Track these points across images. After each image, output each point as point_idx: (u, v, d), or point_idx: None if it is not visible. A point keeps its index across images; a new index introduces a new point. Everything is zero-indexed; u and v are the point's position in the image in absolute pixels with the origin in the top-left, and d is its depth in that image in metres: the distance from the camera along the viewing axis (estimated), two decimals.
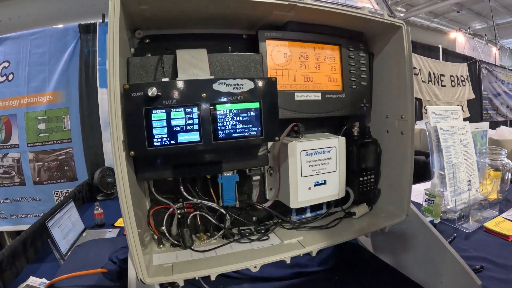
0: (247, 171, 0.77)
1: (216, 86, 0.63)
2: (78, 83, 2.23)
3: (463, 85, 4.68)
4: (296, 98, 0.78)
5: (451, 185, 1.25)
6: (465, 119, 1.45)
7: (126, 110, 0.59)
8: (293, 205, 0.77)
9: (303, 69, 0.81)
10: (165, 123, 0.61)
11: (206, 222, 0.79)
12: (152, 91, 0.58)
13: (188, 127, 0.62)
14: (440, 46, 4.66)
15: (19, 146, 2.11)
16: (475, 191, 1.33)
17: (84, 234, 1.40)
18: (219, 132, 0.64)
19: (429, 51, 4.45)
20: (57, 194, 2.28)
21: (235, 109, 0.65)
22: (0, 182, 2.09)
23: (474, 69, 4.81)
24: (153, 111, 0.60)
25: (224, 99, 0.64)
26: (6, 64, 2.07)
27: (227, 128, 0.64)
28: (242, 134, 0.65)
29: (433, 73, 4.30)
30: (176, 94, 0.61)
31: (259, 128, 0.66)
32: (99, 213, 1.50)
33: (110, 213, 1.55)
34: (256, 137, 0.66)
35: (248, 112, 0.65)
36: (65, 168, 2.26)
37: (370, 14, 0.77)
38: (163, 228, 0.76)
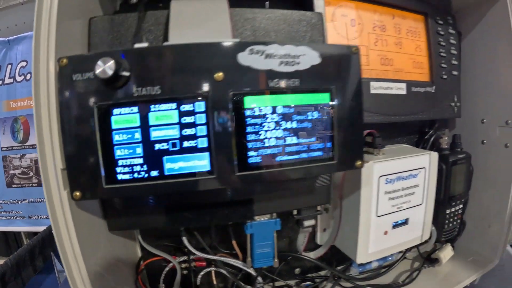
0: (294, 212, 0.48)
1: (244, 58, 0.33)
2: None
3: None
4: (372, 91, 0.50)
5: None
6: None
7: (63, 108, 0.32)
8: (361, 259, 0.49)
9: (379, 46, 0.52)
10: (139, 136, 0.32)
11: (226, 279, 0.52)
12: (105, 67, 0.29)
13: (185, 144, 0.33)
14: None
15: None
16: None
17: None
18: (250, 153, 0.34)
19: None
20: None
21: (283, 107, 0.35)
22: (18, 183, 2.08)
23: None
24: (115, 110, 0.32)
25: (260, 86, 0.34)
26: (24, 64, 2.04)
27: (267, 144, 0.35)
28: (297, 156, 0.36)
29: None
30: (160, 75, 0.32)
31: (329, 145, 0.36)
32: None
33: None
34: (321, 161, 0.36)
35: (309, 113, 0.36)
36: None
37: None
38: (162, 285, 0.49)
